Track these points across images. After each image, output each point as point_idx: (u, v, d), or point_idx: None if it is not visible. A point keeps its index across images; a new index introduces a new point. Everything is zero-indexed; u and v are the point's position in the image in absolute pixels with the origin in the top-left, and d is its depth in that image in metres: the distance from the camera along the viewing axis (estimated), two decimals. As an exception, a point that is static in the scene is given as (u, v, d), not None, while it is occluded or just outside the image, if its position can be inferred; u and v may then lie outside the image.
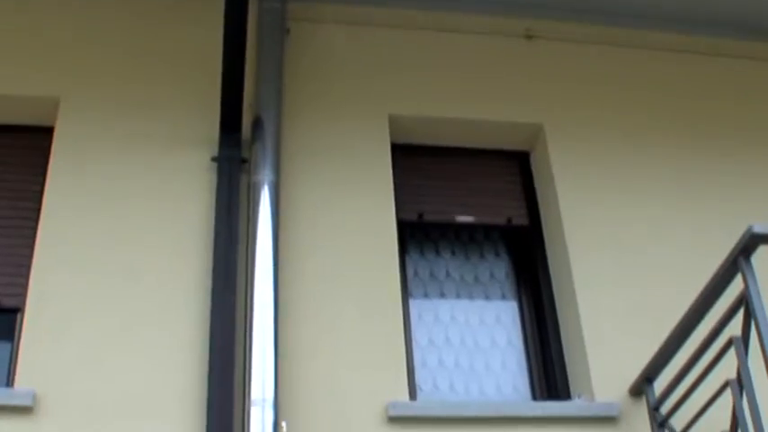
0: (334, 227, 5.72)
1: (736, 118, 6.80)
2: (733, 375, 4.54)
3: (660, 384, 5.30)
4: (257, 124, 5.72)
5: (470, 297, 6.18)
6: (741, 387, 4.45)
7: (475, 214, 6.29)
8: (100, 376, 5.01)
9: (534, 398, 5.86)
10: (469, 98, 6.45)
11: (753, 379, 4.39)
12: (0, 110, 5.91)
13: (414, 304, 6.04)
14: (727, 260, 4.52)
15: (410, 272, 6.16)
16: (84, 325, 5.14)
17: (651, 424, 5.23)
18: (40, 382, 4.93)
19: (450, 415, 5.24)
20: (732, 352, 4.54)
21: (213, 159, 5.71)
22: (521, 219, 6.36)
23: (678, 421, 5.09)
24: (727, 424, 4.64)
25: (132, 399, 4.97)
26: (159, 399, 4.99)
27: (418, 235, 6.31)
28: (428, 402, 5.58)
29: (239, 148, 5.73)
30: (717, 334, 4.69)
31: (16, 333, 5.27)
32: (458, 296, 6.17)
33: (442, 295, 6.14)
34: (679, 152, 6.53)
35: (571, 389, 5.74)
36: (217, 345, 5.09)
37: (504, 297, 6.23)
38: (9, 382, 5.12)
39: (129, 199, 5.59)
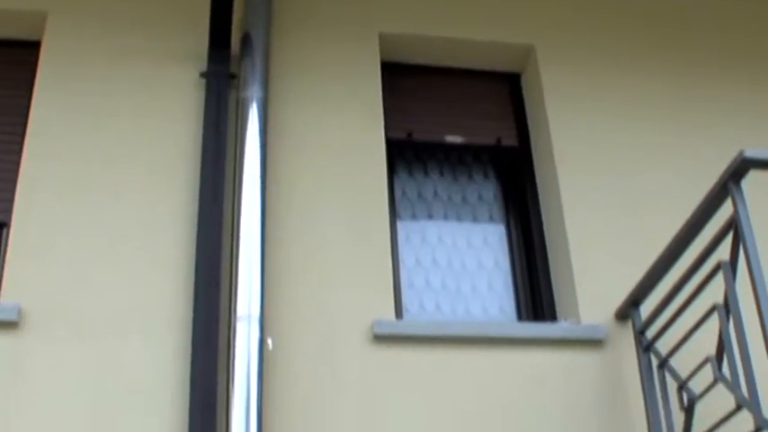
0: (322, 145, 5.69)
1: (732, 45, 6.74)
2: (720, 300, 4.54)
3: (647, 308, 5.31)
4: (246, 40, 5.66)
5: (458, 218, 6.17)
6: (728, 311, 4.45)
7: (464, 135, 6.25)
8: (86, 292, 5.00)
9: (520, 320, 5.87)
10: (461, 17, 6.39)
11: (740, 304, 4.39)
12: (-14, 23, 5.86)
13: (401, 224, 6.03)
14: (717, 184, 4.49)
15: (398, 192, 6.15)
16: (71, 241, 5.12)
17: (637, 347, 5.23)
18: (25, 297, 4.92)
19: (436, 334, 5.24)
20: (720, 276, 4.53)
21: (201, 75, 5.65)
22: (510, 140, 6.32)
23: (664, 345, 5.11)
24: (712, 348, 4.64)
25: (118, 314, 4.97)
26: (145, 315, 4.99)
27: (407, 154, 6.29)
28: (414, 321, 5.58)
29: (228, 64, 5.67)
30: (705, 258, 4.68)
31: (2, 247, 5.26)
32: (445, 217, 6.15)
33: (430, 216, 6.13)
34: (674, 78, 6.48)
35: (557, 312, 5.75)
36: (203, 261, 5.07)
37: (491, 219, 6.22)
38: (-6, 296, 5.12)
39: (117, 115, 5.54)
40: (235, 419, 4.61)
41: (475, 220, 6.19)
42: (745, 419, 4.37)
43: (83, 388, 4.76)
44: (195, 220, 5.25)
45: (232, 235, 5.15)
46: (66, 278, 5.02)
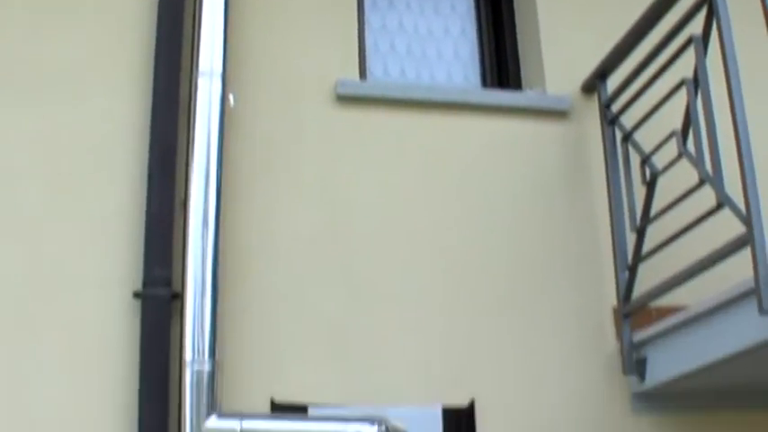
0: None
1: None
2: (689, 75, 4.50)
3: (614, 82, 5.26)
4: None
5: (426, -16, 6.06)
6: (697, 87, 4.41)
7: None
8: (43, 48, 4.83)
9: (485, 87, 5.82)
10: None
11: (709, 79, 4.34)
12: None
13: (368, -12, 5.92)
14: (693, -43, 4.41)
15: (366, -47, 6.01)
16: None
17: (601, 120, 5.22)
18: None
19: (400, 97, 5.21)
20: (690, 52, 4.47)
21: None
22: None
23: (629, 120, 5.07)
24: (678, 123, 4.63)
25: (76, 70, 4.83)
26: (104, 70, 4.87)
27: None
28: (378, 83, 5.55)
29: None
30: (676, 33, 4.61)
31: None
32: (413, -17, 6.05)
33: (398, -19, 6.02)
34: None
35: (523, 81, 5.71)
36: (165, 15, 4.95)
37: (460, -14, 6.12)
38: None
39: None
40: (194, 176, 4.58)
41: (443, -14, 6.08)
42: (706, 195, 4.37)
43: (40, 148, 4.68)
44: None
45: (195, -4, 5.02)
46: (22, 32, 4.87)
